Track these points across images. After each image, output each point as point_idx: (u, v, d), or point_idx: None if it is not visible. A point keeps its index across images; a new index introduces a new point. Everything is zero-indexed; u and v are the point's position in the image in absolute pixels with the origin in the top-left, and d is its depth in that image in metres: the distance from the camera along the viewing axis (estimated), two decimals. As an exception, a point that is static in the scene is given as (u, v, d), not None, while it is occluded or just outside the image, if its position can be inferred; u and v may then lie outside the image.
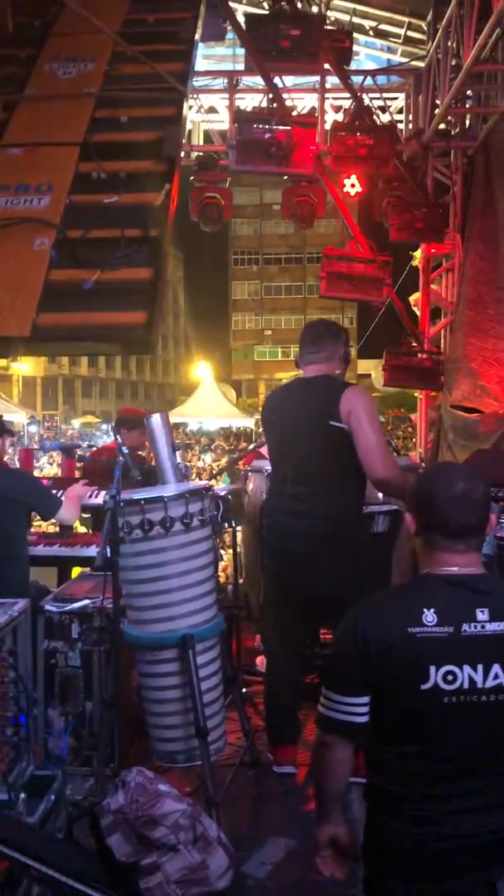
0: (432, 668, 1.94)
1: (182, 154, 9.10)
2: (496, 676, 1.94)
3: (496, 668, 1.94)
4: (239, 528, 4.94)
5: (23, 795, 3.34)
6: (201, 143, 10.41)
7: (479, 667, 1.94)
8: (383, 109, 9.80)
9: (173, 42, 4.71)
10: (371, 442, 3.60)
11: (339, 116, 9.34)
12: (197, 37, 4.99)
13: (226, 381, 43.67)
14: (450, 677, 1.94)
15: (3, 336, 3.18)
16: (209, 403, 30.59)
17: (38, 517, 5.04)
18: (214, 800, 3.33)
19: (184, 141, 8.99)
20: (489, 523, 2.05)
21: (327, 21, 8.56)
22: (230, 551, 5.20)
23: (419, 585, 2.07)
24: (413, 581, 2.16)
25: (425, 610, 1.96)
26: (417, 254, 9.87)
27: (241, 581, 5.19)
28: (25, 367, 48.26)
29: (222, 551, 6.11)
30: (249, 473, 5.23)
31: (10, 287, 3.28)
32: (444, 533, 2.02)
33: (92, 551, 5.08)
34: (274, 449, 4.00)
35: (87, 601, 4.00)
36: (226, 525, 4.42)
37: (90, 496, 5.28)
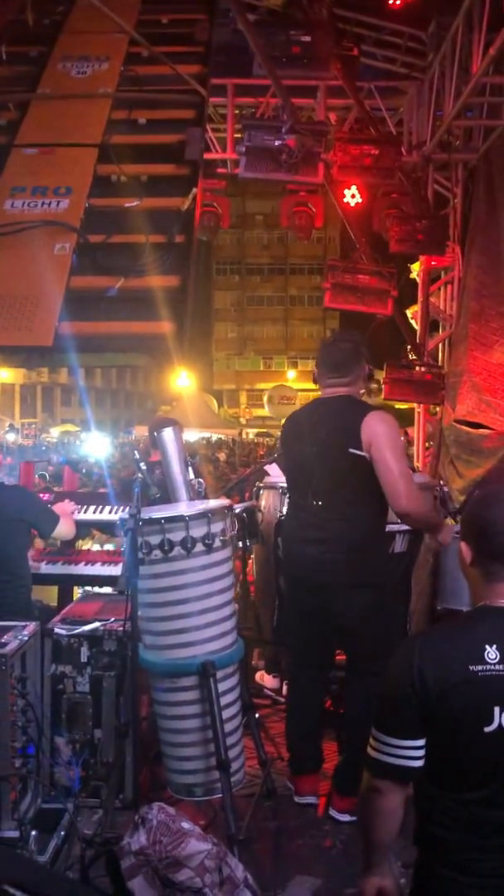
0: (496, 710, 1.81)
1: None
2: None
3: None
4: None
5: (34, 833, 3.16)
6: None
7: None
8: (383, 121, 9.72)
9: (189, 43, 4.59)
10: (394, 474, 3.47)
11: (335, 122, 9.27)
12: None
13: (207, 390, 43.49)
14: None
15: (25, 346, 3.01)
16: (190, 414, 30.38)
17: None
18: (237, 837, 3.16)
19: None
20: None
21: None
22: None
23: (478, 619, 1.93)
24: (471, 614, 2.00)
25: (487, 646, 1.83)
26: (416, 266, 9.78)
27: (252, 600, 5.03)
28: (4, 374, 47.74)
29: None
30: (262, 490, 5.05)
31: (30, 294, 3.11)
32: None
33: (95, 569, 4.93)
34: (291, 471, 3.87)
35: (97, 623, 3.82)
36: (239, 544, 4.27)
37: (79, 511, 5.11)
